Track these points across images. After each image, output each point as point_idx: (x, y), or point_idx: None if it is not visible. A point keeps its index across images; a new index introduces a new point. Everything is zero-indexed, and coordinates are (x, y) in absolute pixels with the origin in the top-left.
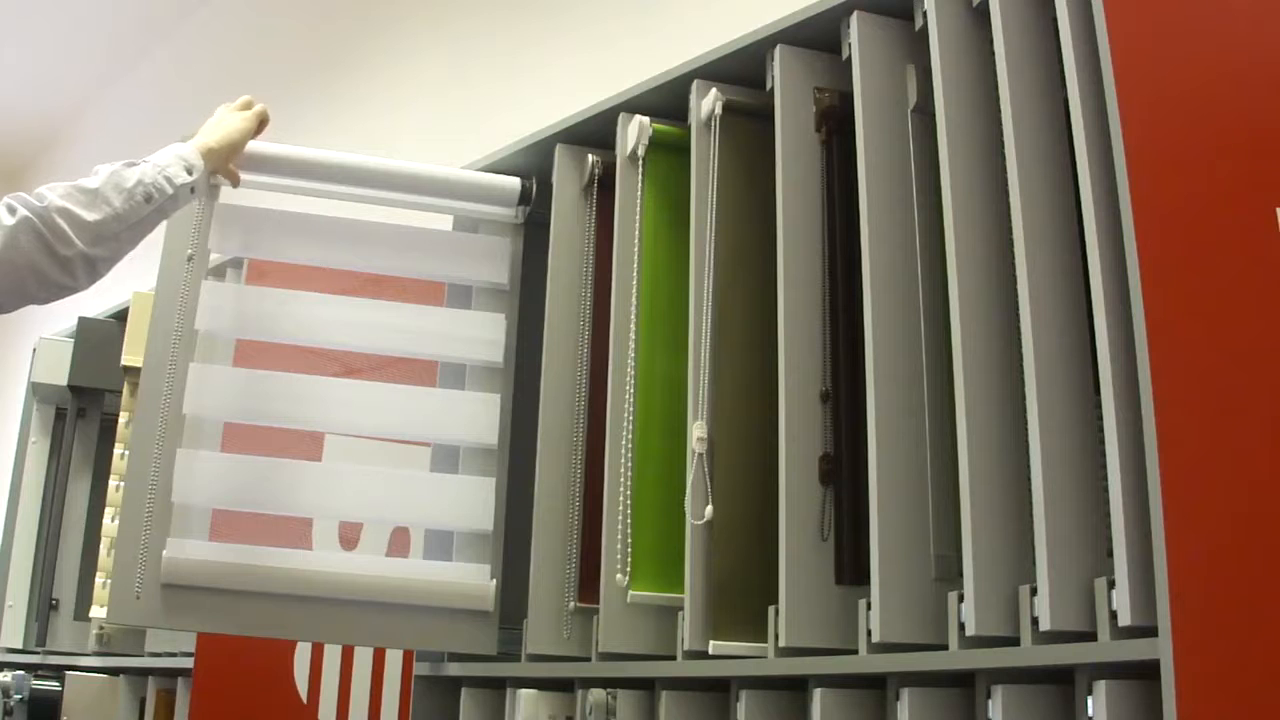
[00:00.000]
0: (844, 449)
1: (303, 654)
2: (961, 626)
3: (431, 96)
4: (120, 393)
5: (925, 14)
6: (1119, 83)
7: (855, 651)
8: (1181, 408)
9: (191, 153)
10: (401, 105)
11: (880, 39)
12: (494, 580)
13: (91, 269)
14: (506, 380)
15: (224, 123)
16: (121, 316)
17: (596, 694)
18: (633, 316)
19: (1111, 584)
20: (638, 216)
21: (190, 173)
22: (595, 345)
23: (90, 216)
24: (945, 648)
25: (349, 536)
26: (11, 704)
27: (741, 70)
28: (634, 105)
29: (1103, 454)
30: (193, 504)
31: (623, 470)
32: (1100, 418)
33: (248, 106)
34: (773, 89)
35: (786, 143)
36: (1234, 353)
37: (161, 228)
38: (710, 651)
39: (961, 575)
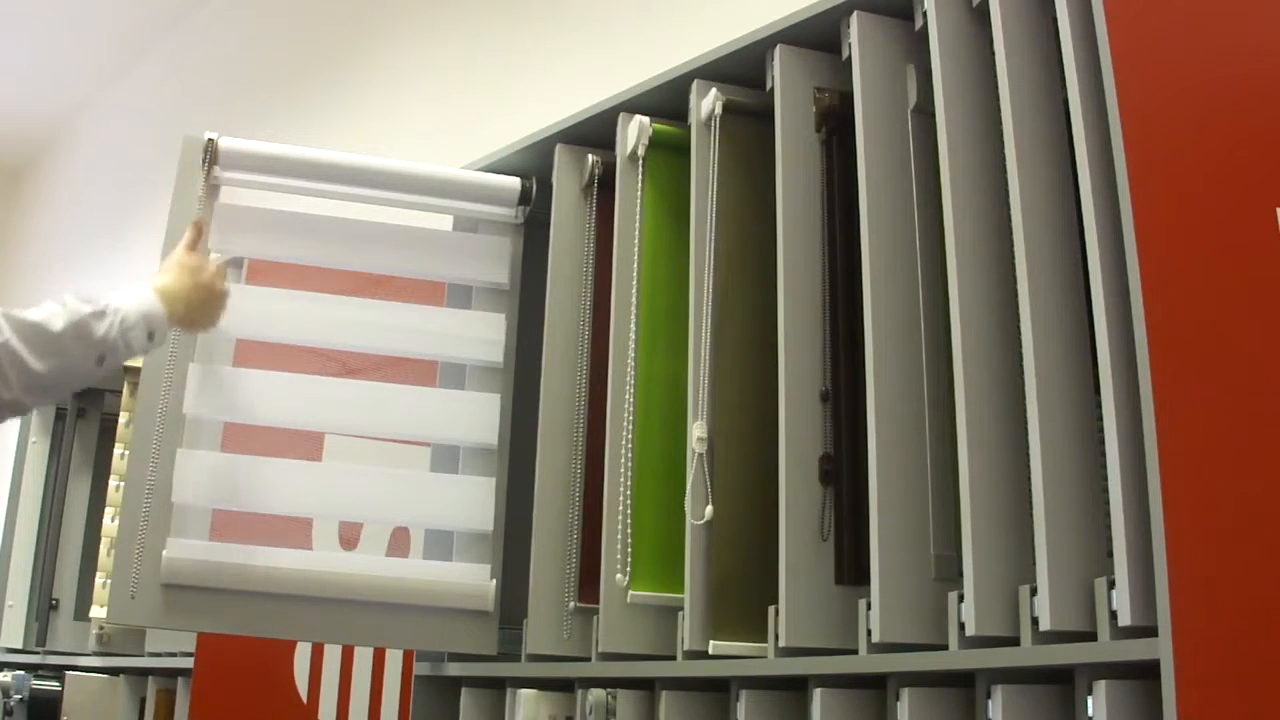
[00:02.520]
0: (844, 449)
1: (303, 654)
2: (961, 626)
3: (431, 96)
4: (120, 393)
5: (925, 14)
6: (1119, 83)
7: (855, 651)
8: (1181, 408)
9: (160, 319)
10: (401, 105)
11: (880, 39)
12: (494, 580)
13: (15, 410)
14: (506, 380)
15: (199, 285)
16: None
17: (596, 694)
18: (633, 316)
19: (1111, 584)
20: (638, 216)
21: (152, 338)
22: (595, 345)
23: (37, 366)
24: (945, 648)
25: (349, 536)
26: (11, 704)
27: (741, 70)
28: (634, 105)
29: (1103, 454)
30: (193, 504)
31: (623, 470)
32: (1100, 418)
33: (197, 231)
34: (773, 89)
35: (786, 143)
36: (1234, 353)
37: (161, 227)
38: (710, 651)
39: (961, 575)
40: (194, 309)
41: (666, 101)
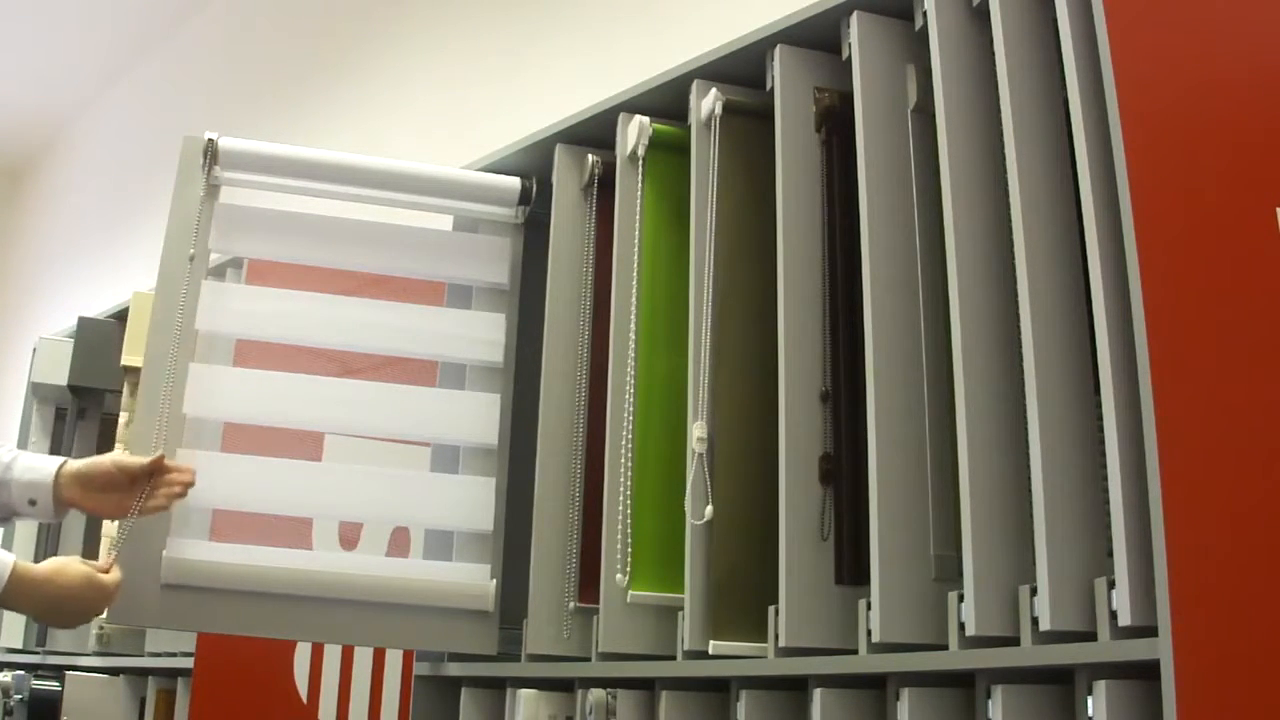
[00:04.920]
0: (844, 449)
1: (303, 654)
2: (961, 626)
3: (431, 96)
4: (120, 393)
5: (925, 14)
6: (1119, 83)
7: (855, 651)
8: (1181, 408)
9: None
10: (401, 105)
11: (880, 39)
12: (494, 580)
13: None
14: (506, 380)
15: (74, 599)
16: (121, 316)
17: (596, 694)
18: (633, 316)
19: (1111, 584)
20: (638, 216)
21: None
22: (595, 345)
23: None
24: (945, 648)
25: (349, 536)
26: (11, 704)
27: (741, 70)
28: (634, 105)
29: (1103, 454)
30: (193, 504)
31: (623, 470)
32: (1100, 418)
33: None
34: (773, 89)
35: (786, 143)
36: (1234, 353)
37: (161, 227)
38: (710, 651)
39: (961, 575)
40: (48, 613)
41: (666, 101)
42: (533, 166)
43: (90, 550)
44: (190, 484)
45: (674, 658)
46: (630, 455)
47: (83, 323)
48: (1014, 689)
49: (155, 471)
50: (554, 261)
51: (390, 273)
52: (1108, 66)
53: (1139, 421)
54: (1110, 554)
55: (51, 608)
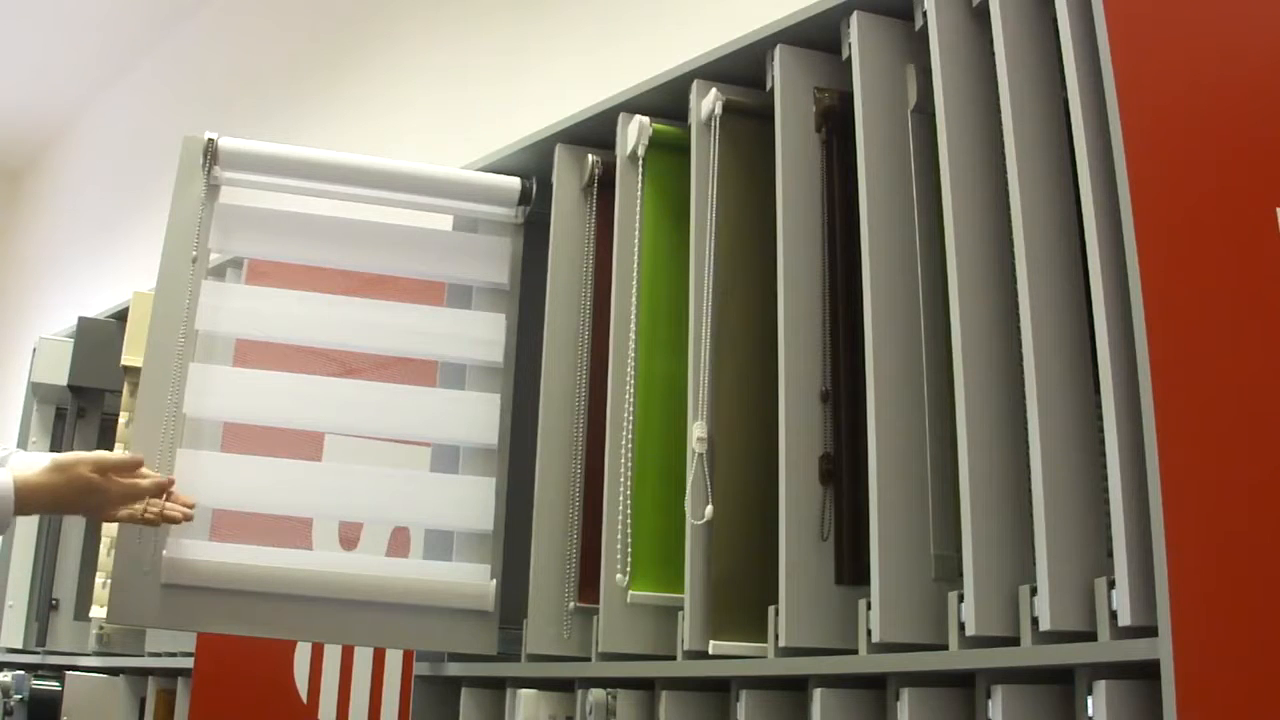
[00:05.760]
0: (844, 449)
1: (303, 654)
2: (961, 626)
3: (431, 96)
4: (120, 393)
5: (925, 14)
6: (1119, 83)
7: (855, 651)
8: (1181, 408)
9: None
10: (401, 105)
11: (880, 39)
12: (494, 580)
13: None
14: (506, 380)
15: (73, 482)
16: (121, 316)
17: (596, 694)
18: (633, 316)
19: (1111, 584)
20: (638, 216)
21: None
22: (595, 345)
23: None
24: (945, 648)
25: (349, 536)
26: (11, 704)
27: (741, 70)
28: (634, 105)
29: (1103, 454)
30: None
31: (623, 470)
32: (1100, 418)
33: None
34: (773, 89)
35: (786, 143)
36: (1234, 352)
37: (161, 227)
38: (710, 651)
39: (961, 575)
40: (64, 503)
41: (666, 101)
42: (533, 166)
43: (90, 550)
44: (189, 518)
45: (674, 658)
46: (630, 455)
47: (83, 323)
48: (1014, 689)
49: (161, 488)
50: (554, 261)
51: (390, 273)
52: (1108, 66)
53: (1139, 421)
54: (1110, 554)
55: (55, 500)
